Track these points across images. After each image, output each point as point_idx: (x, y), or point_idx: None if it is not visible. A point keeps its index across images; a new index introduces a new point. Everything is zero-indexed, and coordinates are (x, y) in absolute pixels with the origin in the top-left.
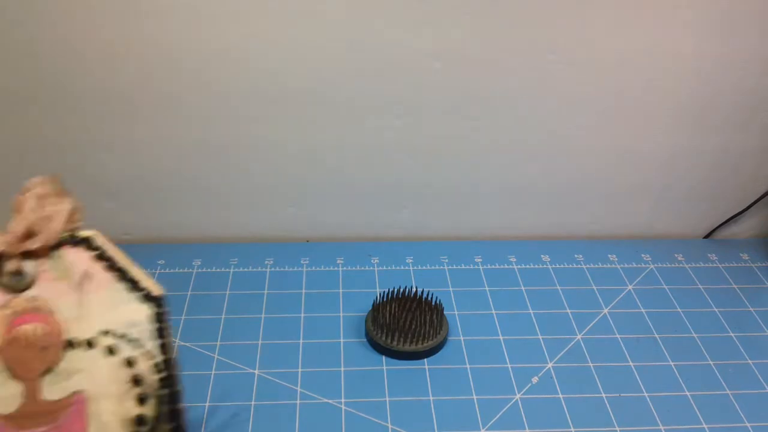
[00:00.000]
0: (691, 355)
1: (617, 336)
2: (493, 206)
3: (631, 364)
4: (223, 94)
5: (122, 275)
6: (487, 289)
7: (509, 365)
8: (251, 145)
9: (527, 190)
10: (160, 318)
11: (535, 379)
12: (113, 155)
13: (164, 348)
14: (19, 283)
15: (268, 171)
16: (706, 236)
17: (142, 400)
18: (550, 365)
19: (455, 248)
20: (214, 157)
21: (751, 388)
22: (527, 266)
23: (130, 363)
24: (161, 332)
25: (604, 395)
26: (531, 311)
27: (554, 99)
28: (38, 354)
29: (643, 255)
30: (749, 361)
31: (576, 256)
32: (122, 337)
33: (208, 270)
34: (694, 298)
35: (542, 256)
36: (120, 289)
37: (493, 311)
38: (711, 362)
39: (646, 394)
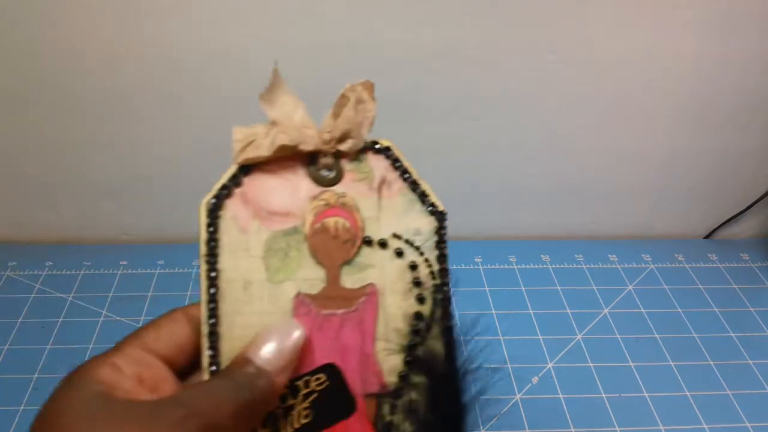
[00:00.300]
0: (691, 355)
1: (617, 336)
2: (493, 206)
3: (631, 364)
4: (223, 94)
5: (413, 186)
6: (487, 289)
7: (509, 365)
8: None
9: (527, 190)
10: (440, 232)
11: (535, 379)
12: (113, 155)
13: (441, 259)
14: (328, 178)
15: None
16: (707, 236)
17: (420, 300)
18: (550, 365)
19: (455, 248)
20: (214, 157)
21: (751, 388)
22: (527, 266)
23: (413, 267)
24: (440, 245)
25: (604, 395)
26: (531, 311)
27: (554, 99)
28: (341, 246)
29: (643, 255)
30: (749, 361)
31: (576, 256)
32: (408, 243)
33: None
34: (694, 298)
35: (542, 256)
36: (411, 199)
37: (493, 311)
38: (711, 362)
39: (646, 394)
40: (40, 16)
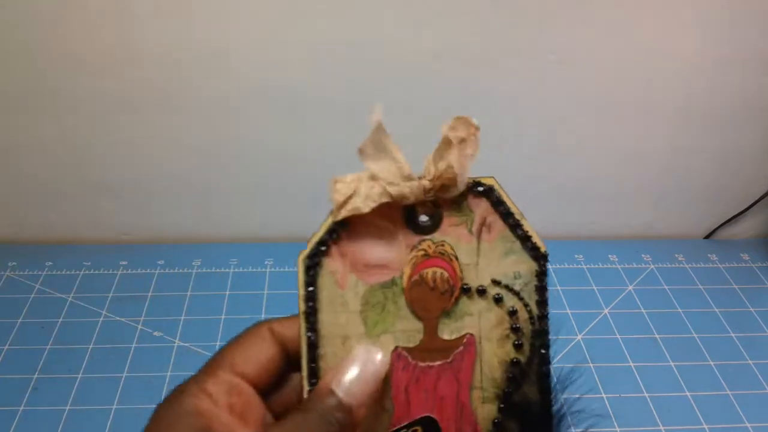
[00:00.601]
0: (691, 355)
1: (617, 336)
2: None
3: (631, 364)
4: (223, 94)
5: (515, 228)
6: None
7: None
8: (251, 145)
9: (527, 190)
10: (540, 276)
11: None
12: (113, 155)
13: (540, 304)
14: (427, 227)
15: (267, 171)
16: (707, 236)
17: (517, 347)
18: (550, 365)
19: None
20: (214, 157)
21: (751, 388)
22: None
23: (511, 313)
24: (539, 289)
25: (604, 395)
26: None
27: (554, 99)
28: (439, 297)
29: (643, 255)
30: (749, 361)
31: (576, 256)
32: (507, 288)
33: (208, 270)
34: (694, 298)
35: None
36: (511, 240)
37: None
38: (711, 362)
39: (646, 394)
40: (40, 16)
